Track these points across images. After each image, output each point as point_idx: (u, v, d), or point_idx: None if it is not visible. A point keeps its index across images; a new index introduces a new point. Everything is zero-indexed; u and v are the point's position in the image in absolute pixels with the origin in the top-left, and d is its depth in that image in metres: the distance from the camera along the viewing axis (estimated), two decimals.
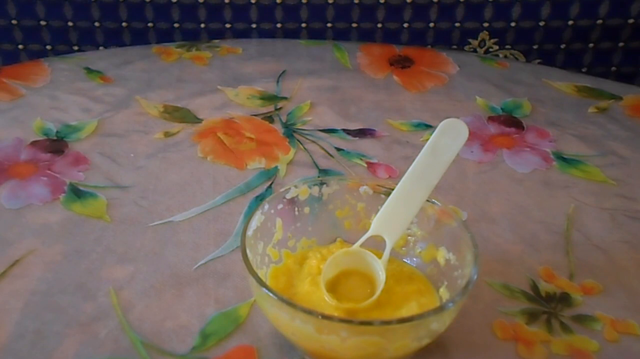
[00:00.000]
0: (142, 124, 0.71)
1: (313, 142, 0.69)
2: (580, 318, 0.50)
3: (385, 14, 0.98)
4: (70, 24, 0.97)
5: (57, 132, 0.69)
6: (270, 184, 0.62)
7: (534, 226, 0.58)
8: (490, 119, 0.74)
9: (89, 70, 0.81)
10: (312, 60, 0.85)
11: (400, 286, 0.46)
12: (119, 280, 0.52)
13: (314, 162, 0.66)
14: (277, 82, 0.80)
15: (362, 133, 0.71)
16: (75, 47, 0.99)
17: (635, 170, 0.66)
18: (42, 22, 0.97)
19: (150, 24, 0.98)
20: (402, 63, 0.85)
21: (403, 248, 0.50)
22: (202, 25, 0.98)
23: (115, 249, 0.54)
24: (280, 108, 0.75)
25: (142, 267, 0.53)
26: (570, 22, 0.98)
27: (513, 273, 0.53)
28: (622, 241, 0.57)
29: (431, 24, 0.99)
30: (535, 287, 0.52)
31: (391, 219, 0.47)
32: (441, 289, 0.47)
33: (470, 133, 0.47)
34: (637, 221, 0.59)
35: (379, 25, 0.99)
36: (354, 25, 0.99)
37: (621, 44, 1.01)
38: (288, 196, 0.49)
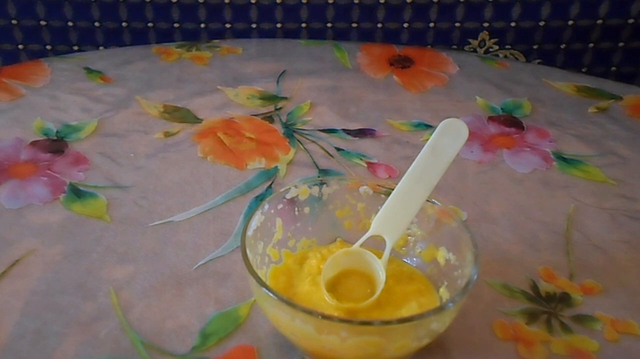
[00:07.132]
0: (142, 124, 0.71)
1: (313, 142, 0.69)
2: (580, 318, 0.50)
3: (385, 14, 0.98)
4: (70, 24, 0.97)
5: (57, 132, 0.69)
6: (270, 184, 0.62)
7: (534, 226, 0.58)
8: (490, 119, 0.74)
9: (89, 70, 0.81)
10: (312, 60, 0.85)
11: (400, 286, 0.46)
12: (119, 280, 0.51)
13: (314, 162, 0.66)
14: (277, 82, 0.80)
15: (362, 133, 0.71)
16: (75, 47, 0.99)
17: (635, 170, 0.66)
18: (42, 22, 0.97)
19: (150, 24, 0.98)
20: (402, 63, 0.85)
21: (403, 248, 0.50)
22: (202, 25, 0.98)
23: (115, 249, 0.54)
24: (280, 108, 0.75)
25: (142, 267, 0.53)
26: (570, 22, 0.98)
27: (513, 273, 0.53)
28: (622, 241, 0.57)
29: (431, 24, 0.99)
30: (535, 287, 0.52)
31: (391, 219, 0.47)
32: (441, 289, 0.47)
33: (470, 133, 0.47)
34: (637, 221, 0.59)
35: (379, 25, 0.99)
36: (354, 25, 0.99)
37: (621, 44, 1.01)
38: (288, 196, 0.49)
